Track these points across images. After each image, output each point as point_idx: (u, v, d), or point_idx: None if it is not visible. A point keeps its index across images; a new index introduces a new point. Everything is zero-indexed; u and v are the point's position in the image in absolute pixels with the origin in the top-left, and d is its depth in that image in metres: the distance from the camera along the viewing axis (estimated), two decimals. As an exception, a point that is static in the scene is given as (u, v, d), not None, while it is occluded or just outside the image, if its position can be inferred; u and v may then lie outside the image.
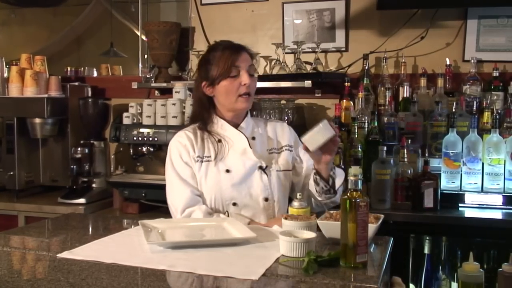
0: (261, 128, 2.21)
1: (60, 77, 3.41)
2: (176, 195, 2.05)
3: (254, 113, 2.48)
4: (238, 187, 2.05)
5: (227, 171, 2.05)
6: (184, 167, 2.06)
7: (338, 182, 2.08)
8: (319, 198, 2.07)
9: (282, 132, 2.22)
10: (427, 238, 2.60)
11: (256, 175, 2.07)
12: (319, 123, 1.89)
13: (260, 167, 2.07)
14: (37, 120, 3.25)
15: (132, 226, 1.97)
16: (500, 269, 1.69)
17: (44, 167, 3.44)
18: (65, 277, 1.39)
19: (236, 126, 2.12)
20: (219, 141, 2.10)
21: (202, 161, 2.06)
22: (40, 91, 3.28)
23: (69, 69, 3.91)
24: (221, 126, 2.12)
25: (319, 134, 1.87)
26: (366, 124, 2.85)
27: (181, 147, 2.09)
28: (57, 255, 1.56)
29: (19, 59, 3.40)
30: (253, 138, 2.13)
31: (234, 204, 2.04)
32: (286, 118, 3.02)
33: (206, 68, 2.08)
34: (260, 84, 2.97)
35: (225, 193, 2.04)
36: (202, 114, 2.14)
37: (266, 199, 2.06)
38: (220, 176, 2.04)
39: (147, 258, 1.52)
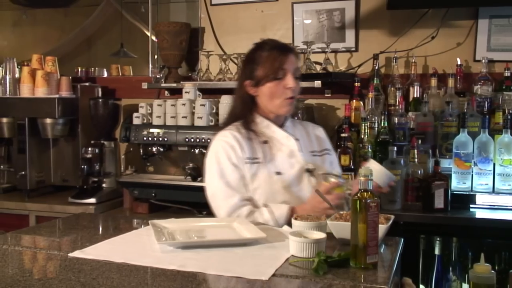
0: (300, 129, 2.16)
1: (70, 77, 3.42)
2: (222, 201, 1.97)
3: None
4: (289, 189, 1.99)
5: (278, 173, 1.99)
6: (232, 170, 1.98)
7: None
8: None
9: (320, 135, 2.21)
10: (438, 239, 2.58)
11: (304, 177, 2.03)
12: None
13: (308, 170, 2.03)
14: (48, 120, 3.26)
15: (142, 226, 1.97)
16: (512, 271, 1.68)
17: (55, 167, 3.46)
18: (76, 276, 1.40)
19: (279, 126, 2.07)
20: (265, 142, 2.04)
21: (252, 163, 1.99)
22: (51, 91, 3.30)
23: (79, 69, 3.93)
24: (266, 127, 2.06)
25: (385, 175, 1.92)
26: (376, 124, 2.84)
27: (228, 148, 1.99)
28: (68, 255, 1.57)
29: (30, 60, 3.42)
30: (297, 140, 2.08)
31: None
32: (295, 118, 3.01)
33: (251, 67, 2.02)
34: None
35: (277, 196, 1.98)
36: (245, 113, 2.07)
37: None
38: (272, 178, 1.98)
39: (158, 258, 1.52)
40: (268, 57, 1.98)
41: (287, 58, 1.99)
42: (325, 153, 2.17)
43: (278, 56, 1.98)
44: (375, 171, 1.89)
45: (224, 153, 2.00)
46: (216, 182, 1.99)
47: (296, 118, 2.88)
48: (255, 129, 2.04)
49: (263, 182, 1.98)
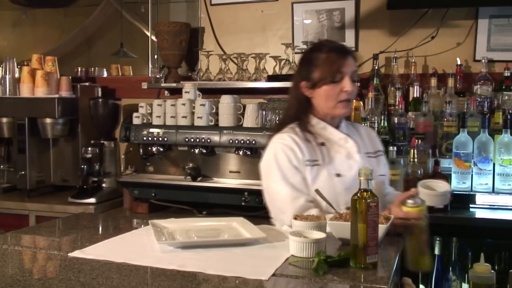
0: (353, 131, 2.13)
1: (70, 77, 3.42)
2: (287, 205, 1.91)
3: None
4: (350, 191, 1.88)
5: (338, 175, 1.96)
6: (294, 172, 1.94)
7: None
8: None
9: (373, 136, 2.20)
10: (438, 239, 2.58)
11: None
12: (446, 190, 1.89)
13: None
14: (48, 120, 3.26)
15: (142, 226, 1.98)
16: (512, 270, 1.68)
17: (54, 167, 3.46)
18: (76, 276, 1.40)
19: (335, 128, 2.05)
20: (323, 144, 2.01)
21: (312, 165, 1.96)
22: (51, 91, 3.30)
23: (79, 69, 3.93)
24: (323, 128, 2.03)
25: (438, 199, 1.87)
26: (376, 124, 2.84)
27: (288, 150, 1.96)
28: (68, 255, 1.57)
29: (30, 60, 3.42)
30: (355, 141, 2.05)
31: (348, 208, 1.87)
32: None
33: (308, 69, 1.99)
34: (269, 84, 2.99)
35: (339, 198, 1.94)
36: (300, 115, 2.05)
37: None
38: (333, 180, 1.95)
39: (157, 258, 1.52)
40: (326, 59, 1.95)
41: (345, 61, 1.96)
42: (379, 154, 2.15)
43: (336, 59, 1.95)
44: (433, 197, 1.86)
45: (284, 156, 1.96)
46: (279, 186, 1.95)
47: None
48: (311, 130, 2.02)
49: (324, 185, 1.94)
